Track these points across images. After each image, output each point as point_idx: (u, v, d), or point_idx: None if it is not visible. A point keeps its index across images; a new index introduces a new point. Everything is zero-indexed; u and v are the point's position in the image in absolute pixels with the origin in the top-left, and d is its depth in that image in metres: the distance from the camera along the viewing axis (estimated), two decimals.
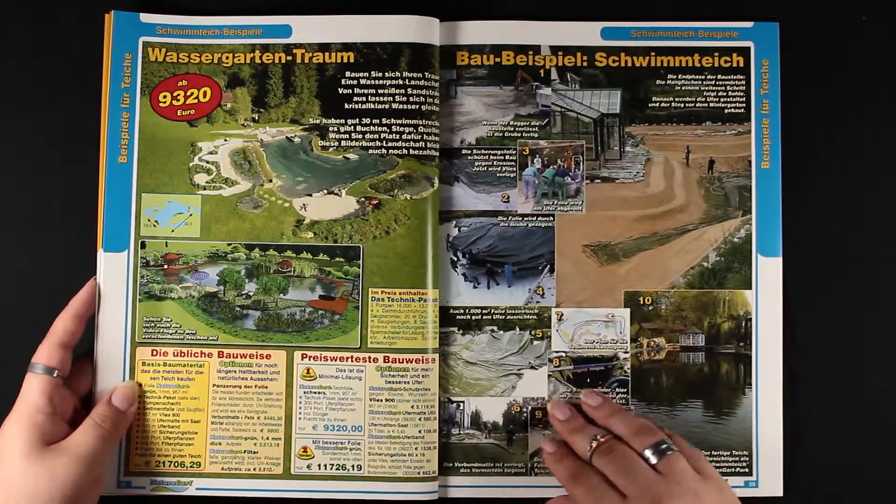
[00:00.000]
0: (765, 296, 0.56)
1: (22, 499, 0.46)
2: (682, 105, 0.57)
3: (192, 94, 0.56)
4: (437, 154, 0.56)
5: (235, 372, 0.55)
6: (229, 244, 0.55)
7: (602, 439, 0.51)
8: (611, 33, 0.57)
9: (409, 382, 0.54)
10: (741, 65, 0.57)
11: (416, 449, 0.54)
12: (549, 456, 0.53)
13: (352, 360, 0.55)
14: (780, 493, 0.55)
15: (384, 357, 0.55)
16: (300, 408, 0.54)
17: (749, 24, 0.56)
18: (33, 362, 0.50)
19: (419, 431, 0.54)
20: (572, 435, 0.53)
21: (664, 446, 0.49)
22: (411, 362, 0.54)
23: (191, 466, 0.54)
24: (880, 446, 0.57)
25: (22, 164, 0.56)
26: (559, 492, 0.53)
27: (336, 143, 0.56)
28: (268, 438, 0.54)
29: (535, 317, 0.56)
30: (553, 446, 0.54)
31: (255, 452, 0.54)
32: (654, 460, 0.49)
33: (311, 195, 0.56)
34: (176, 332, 0.55)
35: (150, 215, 0.55)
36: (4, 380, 0.51)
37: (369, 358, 0.55)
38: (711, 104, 0.57)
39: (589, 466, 0.51)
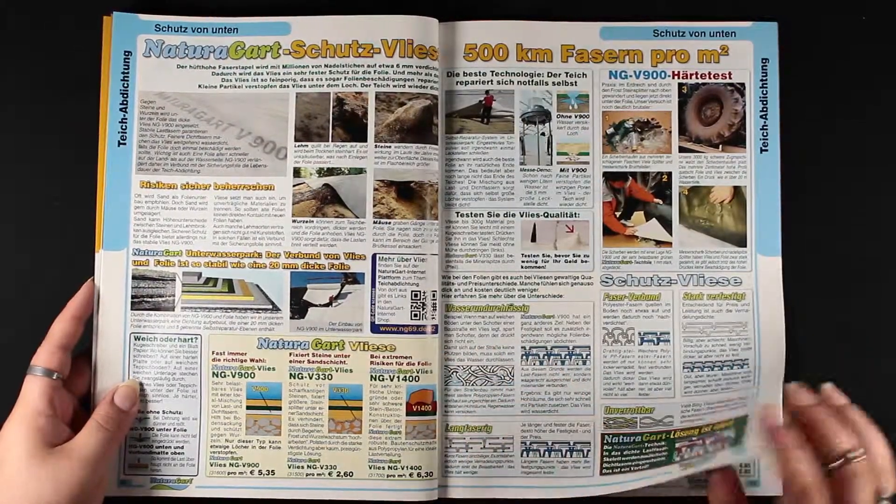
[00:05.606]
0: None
1: (26, 503, 0.46)
2: None
3: None
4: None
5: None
6: None
7: (859, 459, 0.44)
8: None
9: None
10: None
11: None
12: (788, 440, 0.45)
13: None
14: (781, 493, 0.55)
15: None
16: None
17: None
18: (33, 364, 0.50)
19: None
20: (823, 430, 0.45)
21: None
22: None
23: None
24: None
25: (22, 164, 0.56)
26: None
27: None
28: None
29: None
30: (794, 432, 0.46)
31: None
32: None
33: None
34: None
35: None
36: (4, 380, 0.50)
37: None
38: None
39: (823, 483, 0.44)
